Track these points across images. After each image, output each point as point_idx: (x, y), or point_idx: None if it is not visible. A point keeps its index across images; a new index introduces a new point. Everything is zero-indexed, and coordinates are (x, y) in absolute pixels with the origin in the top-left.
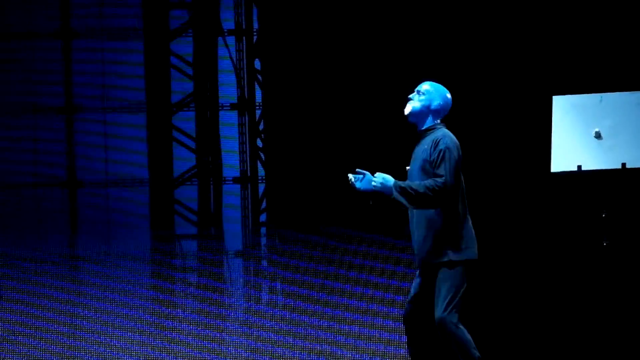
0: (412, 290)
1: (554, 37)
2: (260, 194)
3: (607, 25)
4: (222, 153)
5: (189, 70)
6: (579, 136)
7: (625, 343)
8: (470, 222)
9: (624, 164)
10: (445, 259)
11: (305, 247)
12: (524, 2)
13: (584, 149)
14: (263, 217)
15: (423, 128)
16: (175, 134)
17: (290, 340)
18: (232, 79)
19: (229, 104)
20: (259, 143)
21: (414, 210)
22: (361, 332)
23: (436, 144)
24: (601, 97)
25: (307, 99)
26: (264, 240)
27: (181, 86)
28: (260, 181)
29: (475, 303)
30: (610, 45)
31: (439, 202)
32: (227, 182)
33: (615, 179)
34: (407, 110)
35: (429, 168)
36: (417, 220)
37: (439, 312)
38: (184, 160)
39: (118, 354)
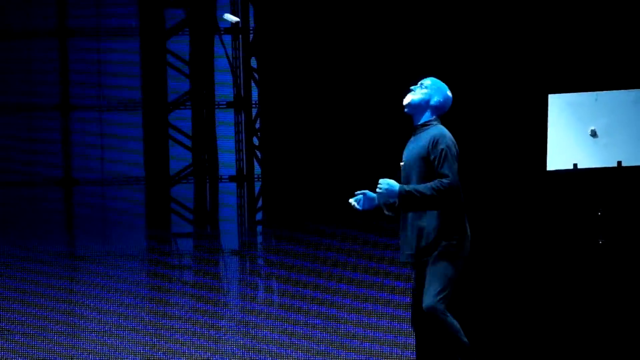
0: (414, 293)
1: (549, 35)
2: (256, 192)
3: (603, 24)
4: (219, 151)
5: (185, 69)
6: (574, 134)
7: (621, 341)
8: (465, 219)
9: (619, 162)
10: (439, 249)
11: (301, 246)
12: (520, 1)
13: (580, 147)
14: (259, 216)
15: (419, 123)
16: (172, 132)
17: (286, 338)
18: (229, 77)
19: (225, 103)
20: (255, 141)
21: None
22: (356, 329)
23: (435, 142)
24: (597, 95)
25: (303, 97)
26: (260, 239)
27: (177, 84)
28: (256, 179)
29: (472, 301)
30: (606, 44)
31: (446, 202)
32: (223, 181)
33: (611, 177)
34: (407, 100)
35: (425, 165)
36: (412, 216)
37: (427, 300)
38: (180, 158)
39: (114, 353)
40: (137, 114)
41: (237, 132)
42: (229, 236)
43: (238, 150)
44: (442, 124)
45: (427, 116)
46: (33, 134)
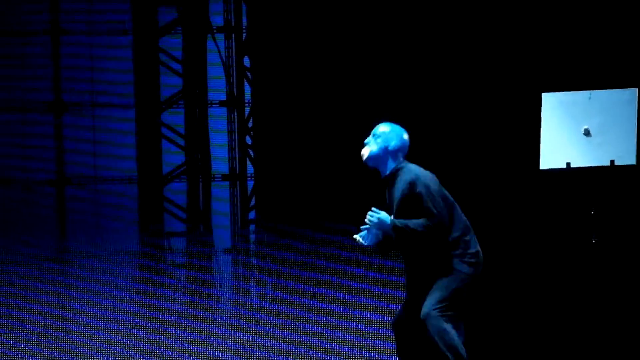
0: (406, 298)
1: (543, 34)
2: (249, 191)
3: (596, 23)
4: (211, 150)
5: (178, 67)
6: (568, 133)
7: (614, 339)
8: (474, 237)
9: (612, 161)
10: (449, 263)
11: (293, 244)
12: (513, 0)
13: (573, 146)
14: (252, 214)
15: (388, 173)
16: (165, 131)
17: (279, 335)
18: (221, 75)
19: (218, 101)
20: (248, 140)
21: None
22: (348, 323)
23: (412, 186)
24: (590, 94)
25: (296, 96)
26: (252, 238)
27: (170, 83)
28: (249, 178)
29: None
30: (599, 43)
31: (434, 239)
32: (216, 179)
33: (604, 176)
34: (365, 155)
35: (410, 209)
36: (414, 255)
37: (426, 308)
38: (173, 156)
39: (107, 351)
40: (129, 112)
41: (230, 131)
42: (222, 235)
43: (231, 149)
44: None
45: (391, 163)
46: (26, 133)
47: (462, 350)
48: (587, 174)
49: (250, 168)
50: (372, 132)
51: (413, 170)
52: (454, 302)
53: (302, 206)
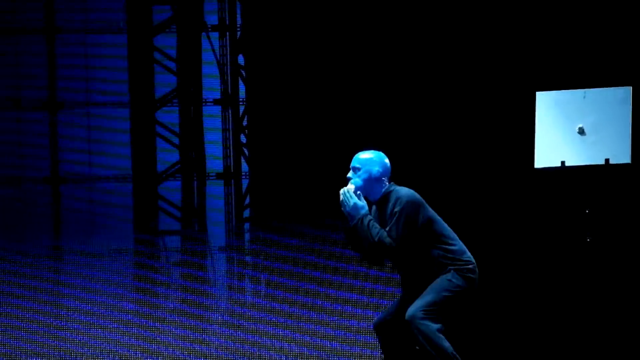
0: (394, 304)
1: (537, 33)
2: (243, 189)
3: (591, 22)
4: (206, 148)
5: (173, 66)
6: (562, 132)
7: (609, 338)
8: (467, 253)
9: (607, 160)
10: (446, 274)
11: (288, 243)
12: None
13: (568, 145)
14: (247, 213)
15: (377, 199)
16: (159, 129)
17: (273, 333)
18: (216, 74)
19: (212, 100)
20: (243, 139)
21: (403, 269)
22: (341, 320)
23: (395, 203)
24: (585, 93)
25: (291, 94)
26: (247, 236)
27: (165, 81)
28: (243, 177)
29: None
30: (594, 41)
31: (382, 257)
32: (210, 178)
33: (599, 175)
34: (351, 189)
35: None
36: (409, 270)
37: (412, 309)
38: (167, 155)
39: (101, 350)
40: (124, 110)
41: (225, 129)
42: (217, 233)
43: (225, 147)
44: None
45: (378, 189)
46: (20, 131)
47: (451, 349)
48: (582, 172)
49: (244, 166)
50: (351, 164)
51: (400, 191)
52: (443, 309)
53: (296, 204)
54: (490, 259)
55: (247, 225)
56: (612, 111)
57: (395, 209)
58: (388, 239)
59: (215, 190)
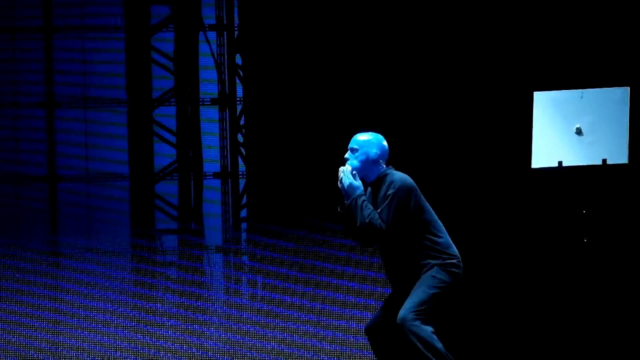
0: (382, 306)
1: (535, 32)
2: (240, 189)
3: (589, 21)
4: (203, 148)
5: (170, 66)
6: (559, 132)
7: (606, 338)
8: (452, 247)
9: (604, 160)
10: (429, 269)
11: (285, 243)
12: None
13: (565, 145)
14: (243, 213)
15: (373, 180)
16: (156, 129)
17: (270, 333)
18: (213, 74)
19: (209, 99)
20: (240, 138)
21: (386, 254)
22: (339, 322)
23: (388, 186)
24: (582, 93)
25: (288, 94)
26: (244, 236)
27: (162, 81)
28: (240, 176)
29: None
30: (592, 41)
31: (372, 239)
32: (207, 177)
33: (596, 175)
34: (348, 171)
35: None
36: (394, 261)
37: (403, 312)
38: (164, 155)
39: (98, 349)
40: (121, 110)
41: (222, 129)
42: (213, 233)
43: (222, 147)
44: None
45: (375, 171)
46: (17, 130)
47: (444, 351)
48: (579, 172)
49: (242, 166)
50: (349, 145)
51: (395, 175)
52: (432, 307)
53: (293, 204)
54: (487, 259)
55: (244, 225)
56: (609, 111)
57: (389, 192)
58: (379, 221)
59: (212, 190)
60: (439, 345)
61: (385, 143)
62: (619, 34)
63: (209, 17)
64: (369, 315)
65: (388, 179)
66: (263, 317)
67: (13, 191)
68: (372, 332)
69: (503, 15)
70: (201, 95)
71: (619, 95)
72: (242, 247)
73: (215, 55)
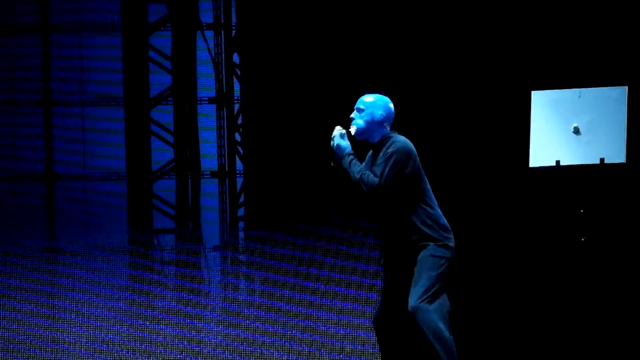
0: (382, 297)
1: (533, 31)
2: (238, 188)
3: (586, 20)
4: (200, 147)
5: (168, 64)
6: (557, 131)
7: (603, 338)
8: (444, 218)
9: (602, 160)
10: (423, 250)
11: (282, 242)
12: None
13: (563, 144)
14: (241, 212)
15: (376, 141)
16: (154, 127)
17: (267, 333)
18: (211, 72)
19: (207, 98)
20: (238, 137)
21: (380, 221)
22: (337, 327)
23: (389, 146)
24: (580, 92)
25: (285, 93)
26: (241, 235)
27: (159, 80)
28: (238, 175)
29: (454, 298)
30: (590, 41)
31: (367, 196)
32: (205, 176)
33: (594, 175)
34: (353, 130)
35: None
36: (390, 229)
37: (413, 300)
38: (162, 153)
39: (95, 348)
40: (119, 109)
41: (219, 128)
42: (211, 232)
43: (220, 146)
44: (405, 133)
45: (379, 133)
46: (15, 128)
47: (453, 346)
48: (577, 172)
49: (239, 165)
50: (356, 105)
51: (397, 137)
52: (439, 288)
53: (291, 203)
54: (484, 258)
55: (241, 224)
56: (607, 111)
57: (388, 151)
58: (370, 177)
59: (210, 189)
60: (447, 336)
61: (392, 106)
62: (617, 33)
63: (206, 13)
64: (367, 309)
65: (390, 141)
66: (260, 316)
67: (11, 189)
68: (380, 324)
69: (501, 14)
70: (199, 94)
71: (617, 95)
72: (240, 246)
73: (213, 54)
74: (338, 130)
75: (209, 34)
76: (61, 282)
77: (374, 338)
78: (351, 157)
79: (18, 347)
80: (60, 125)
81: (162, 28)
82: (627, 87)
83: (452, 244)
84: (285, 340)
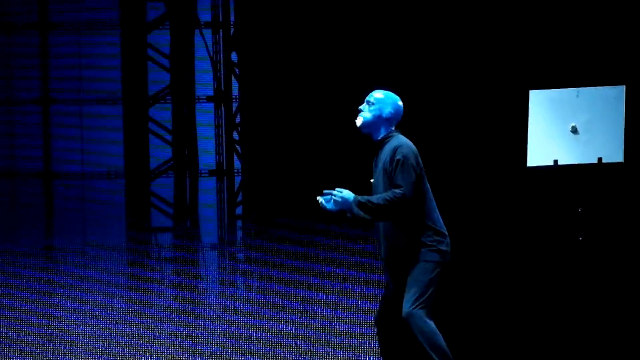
0: (384, 293)
1: (531, 31)
2: (236, 186)
3: (584, 20)
4: (199, 145)
5: (166, 63)
6: (555, 131)
7: (600, 337)
8: (441, 222)
9: (600, 159)
10: (417, 255)
11: (280, 240)
12: None
13: (560, 144)
14: (239, 210)
15: (379, 138)
16: (152, 126)
17: (265, 331)
18: (209, 71)
19: (205, 97)
20: (235, 136)
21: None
22: (334, 323)
23: (393, 153)
24: (578, 91)
25: (284, 92)
26: (239, 233)
27: (158, 78)
28: (236, 174)
29: (451, 298)
30: (588, 40)
31: (399, 213)
32: (203, 175)
33: (592, 174)
34: (359, 122)
35: (389, 179)
36: (384, 227)
37: (406, 306)
38: (160, 152)
39: (93, 346)
40: (117, 107)
41: (217, 126)
42: (209, 230)
43: (218, 144)
44: (403, 132)
45: (383, 130)
46: (13, 127)
47: (447, 350)
48: (575, 171)
49: (237, 163)
50: (367, 98)
51: (400, 140)
52: (432, 293)
53: (289, 201)
54: (482, 258)
55: (239, 222)
56: (605, 110)
57: (396, 157)
58: (393, 194)
59: (208, 187)
60: (441, 341)
61: (400, 104)
62: (615, 32)
63: (205, 11)
64: (365, 305)
65: (394, 141)
66: (257, 315)
67: (9, 188)
68: (381, 323)
69: (499, 14)
70: (197, 93)
71: (615, 94)
72: (238, 244)
73: (211, 53)
74: (321, 199)
75: (208, 32)
76: (59, 281)
77: (373, 334)
78: (358, 198)
79: (16, 346)
80: (59, 124)
81: (161, 26)
82: (624, 87)
83: (444, 247)
84: (283, 337)
